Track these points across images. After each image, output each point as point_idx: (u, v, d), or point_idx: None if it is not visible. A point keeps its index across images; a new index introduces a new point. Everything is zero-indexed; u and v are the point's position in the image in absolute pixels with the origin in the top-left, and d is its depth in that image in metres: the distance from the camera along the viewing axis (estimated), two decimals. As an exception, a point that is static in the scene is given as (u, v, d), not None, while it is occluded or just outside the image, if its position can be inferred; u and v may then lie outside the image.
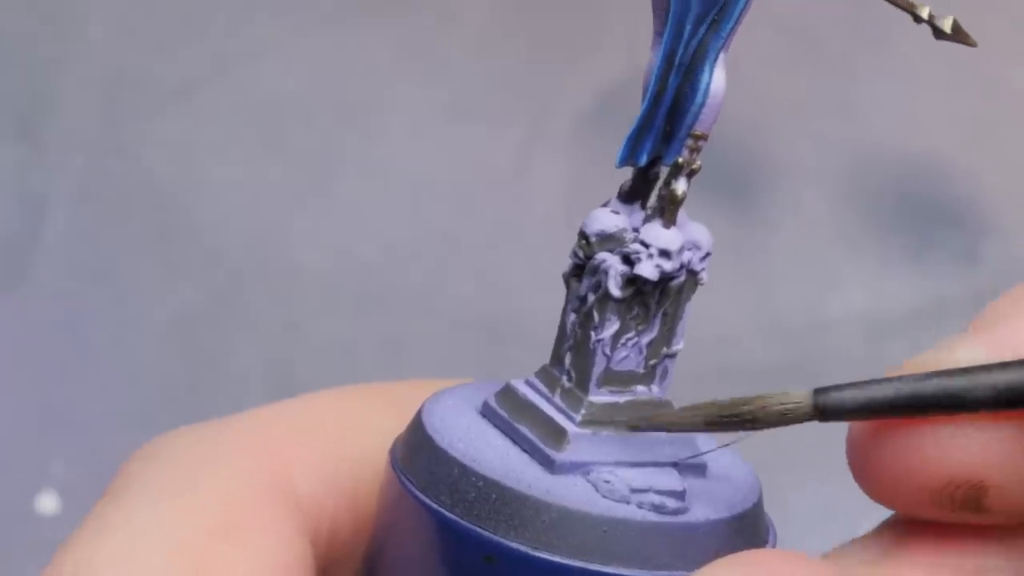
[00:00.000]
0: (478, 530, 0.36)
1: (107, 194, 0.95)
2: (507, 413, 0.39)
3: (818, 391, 0.36)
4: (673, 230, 0.38)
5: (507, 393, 0.39)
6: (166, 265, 0.93)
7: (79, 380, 0.89)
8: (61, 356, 0.90)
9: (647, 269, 0.38)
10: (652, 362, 0.39)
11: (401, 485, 0.38)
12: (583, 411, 0.38)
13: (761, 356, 0.91)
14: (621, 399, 0.39)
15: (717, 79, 0.37)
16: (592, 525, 0.36)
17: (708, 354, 0.88)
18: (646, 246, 0.38)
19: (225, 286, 0.93)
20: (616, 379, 0.39)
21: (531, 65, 1.00)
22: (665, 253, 0.38)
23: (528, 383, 0.39)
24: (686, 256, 0.38)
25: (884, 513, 0.38)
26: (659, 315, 0.39)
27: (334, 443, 0.43)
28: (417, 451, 0.38)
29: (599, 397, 0.39)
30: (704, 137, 0.37)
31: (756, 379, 0.88)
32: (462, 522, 0.36)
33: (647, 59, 0.38)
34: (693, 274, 0.39)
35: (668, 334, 0.39)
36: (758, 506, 0.39)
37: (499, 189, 0.96)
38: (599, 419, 0.38)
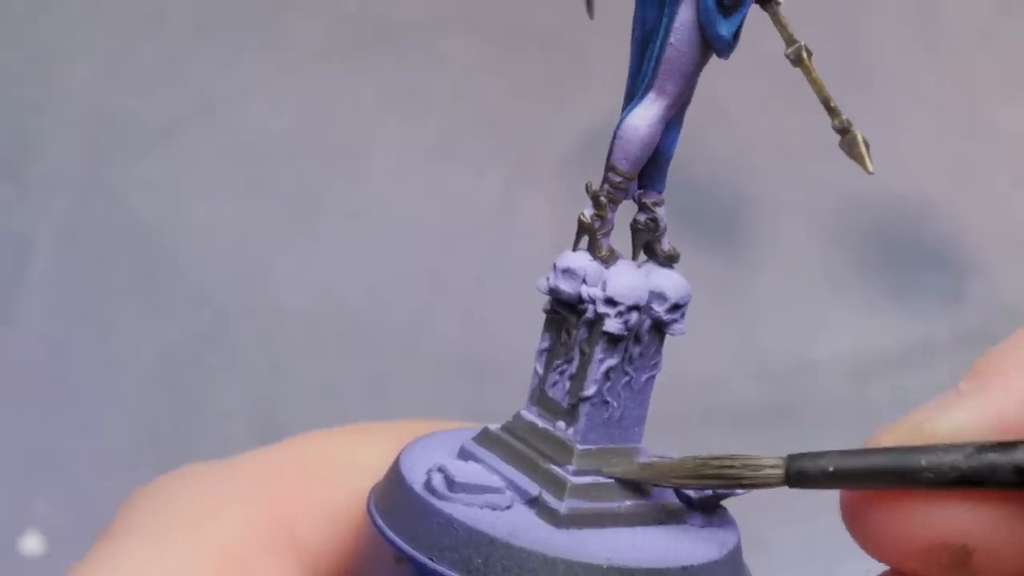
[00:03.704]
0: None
1: (92, 234, 0.95)
2: (485, 450, 0.39)
3: (792, 458, 0.36)
4: (578, 253, 0.38)
5: (486, 433, 0.40)
6: (151, 305, 0.93)
7: (63, 420, 0.89)
8: (45, 396, 0.90)
9: (541, 282, 0.39)
10: (573, 401, 0.39)
11: (375, 528, 0.38)
12: (509, 420, 0.39)
13: (746, 396, 0.91)
14: (540, 424, 0.39)
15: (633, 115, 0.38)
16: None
17: (694, 395, 0.88)
18: (554, 266, 0.39)
19: (209, 326, 0.93)
20: (547, 404, 0.39)
21: (515, 106, 1.00)
22: (567, 271, 0.38)
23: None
24: (588, 290, 0.38)
25: (863, 556, 0.38)
26: (577, 350, 0.39)
27: (335, 489, 0.43)
28: (392, 493, 0.38)
29: (528, 414, 0.39)
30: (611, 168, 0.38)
31: (742, 420, 0.88)
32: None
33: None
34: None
35: (582, 375, 0.39)
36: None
37: (484, 229, 0.96)
38: (517, 433, 0.39)
